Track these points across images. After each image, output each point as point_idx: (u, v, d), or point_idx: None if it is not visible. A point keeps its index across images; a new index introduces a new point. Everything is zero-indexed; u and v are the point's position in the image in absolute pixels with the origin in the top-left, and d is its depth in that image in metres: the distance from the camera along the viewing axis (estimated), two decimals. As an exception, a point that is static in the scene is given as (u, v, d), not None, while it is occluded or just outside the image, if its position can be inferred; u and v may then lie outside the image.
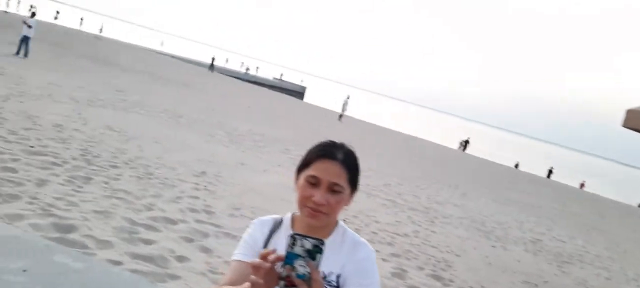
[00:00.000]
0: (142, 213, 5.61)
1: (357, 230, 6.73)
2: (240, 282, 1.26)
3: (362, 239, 1.61)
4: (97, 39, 48.62)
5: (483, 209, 13.63)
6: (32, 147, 7.08)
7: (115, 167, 7.27)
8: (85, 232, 4.61)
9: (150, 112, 13.53)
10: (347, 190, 1.52)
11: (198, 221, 5.94)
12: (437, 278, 6.63)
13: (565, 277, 8.80)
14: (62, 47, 28.20)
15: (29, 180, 5.63)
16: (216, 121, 15.74)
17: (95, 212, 5.22)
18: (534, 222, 13.91)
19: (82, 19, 63.24)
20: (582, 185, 39.15)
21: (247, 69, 63.69)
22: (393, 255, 6.99)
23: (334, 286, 1.49)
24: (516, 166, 41.03)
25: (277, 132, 17.44)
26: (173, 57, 57.55)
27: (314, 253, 1.23)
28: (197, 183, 7.67)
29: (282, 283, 1.22)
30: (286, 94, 55.38)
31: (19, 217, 4.53)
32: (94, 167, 6.93)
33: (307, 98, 62.59)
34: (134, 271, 4.03)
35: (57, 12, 57.19)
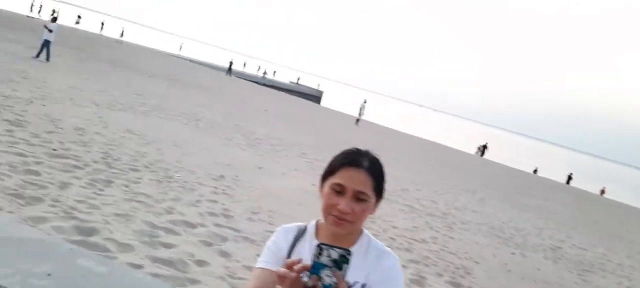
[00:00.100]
0: (162, 217, 5.65)
1: (375, 236, 6.71)
2: None
3: (387, 248, 1.60)
4: (118, 43, 49.32)
5: (501, 215, 13.49)
6: (54, 150, 7.19)
7: (135, 170, 7.35)
8: (106, 235, 4.67)
9: (169, 116, 13.66)
10: (373, 199, 1.52)
11: (217, 225, 5.97)
12: (456, 285, 6.57)
13: (587, 285, 8.67)
14: (83, 51, 28.63)
15: (51, 183, 5.71)
16: (234, 125, 15.83)
17: (116, 215, 5.28)
18: (553, 229, 13.72)
19: (102, 24, 64.16)
20: (602, 192, 38.52)
21: (265, 73, 64.01)
22: (411, 261, 6.95)
23: (359, 295, 1.49)
24: (535, 172, 40.55)
25: (294, 136, 17.47)
26: (191, 61, 58.08)
27: (341, 263, 1.23)
28: (215, 187, 7.71)
29: (308, 292, 1.22)
30: (303, 97, 55.52)
31: (42, 219, 4.60)
32: (115, 170, 7.01)
33: (324, 102, 62.67)
34: (155, 275, 4.06)
35: (79, 17, 58.08)
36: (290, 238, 1.63)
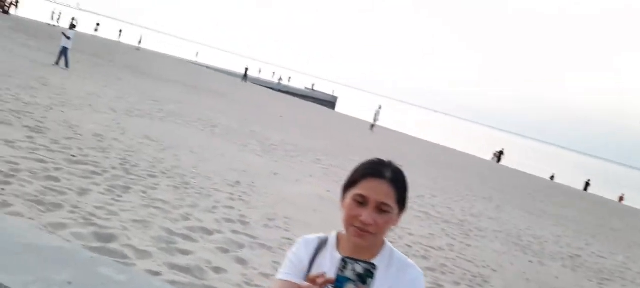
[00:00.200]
0: (179, 223, 5.68)
1: (391, 243, 6.67)
2: None
3: (410, 260, 1.58)
4: (137, 50, 49.93)
5: (519, 222, 13.34)
6: (73, 156, 7.27)
7: (152, 176, 7.40)
8: (124, 241, 4.70)
9: (185, 122, 13.76)
10: (395, 210, 1.50)
11: (233, 231, 5.98)
12: (474, 293, 6.50)
13: (607, 295, 8.52)
14: (101, 58, 28.99)
15: (70, 189, 5.78)
16: (249, 131, 15.89)
17: (134, 221, 5.31)
18: (571, 237, 13.53)
19: (121, 31, 65.06)
20: (621, 199, 37.91)
21: (280, 79, 64.29)
22: (428, 269, 6.89)
23: (382, 308, 1.47)
24: (552, 178, 40.08)
25: (309, 142, 17.48)
26: (208, 67, 58.52)
27: (365, 277, 1.21)
28: (232, 193, 7.74)
29: (331, 307, 1.21)
30: (318, 103, 55.59)
31: (62, 226, 4.65)
32: (133, 176, 7.07)
33: (339, 108, 62.68)
34: (172, 282, 4.08)
35: (98, 24, 58.91)
36: (312, 249, 1.62)
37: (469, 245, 9.05)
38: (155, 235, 5.09)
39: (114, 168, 7.24)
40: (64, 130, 8.81)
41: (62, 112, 10.41)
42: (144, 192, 6.49)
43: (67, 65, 19.09)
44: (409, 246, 7.72)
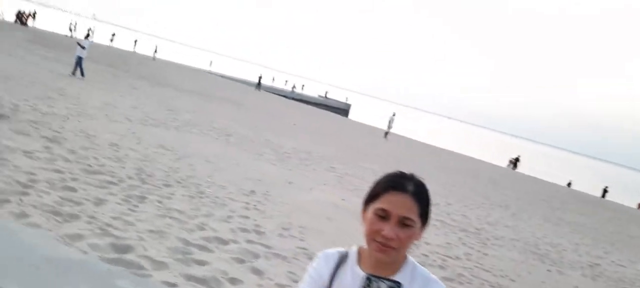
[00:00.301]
0: (195, 233, 5.68)
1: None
2: None
3: (433, 275, 1.55)
4: (153, 60, 50.46)
5: (536, 230, 13.16)
6: (90, 166, 7.32)
7: (168, 185, 7.42)
8: (141, 252, 4.70)
9: (200, 131, 13.82)
10: (418, 224, 1.47)
11: (249, 241, 5.96)
12: (492, 304, 6.41)
13: (628, 304, 8.35)
14: (117, 68, 29.30)
15: (87, 200, 5.81)
16: (263, 139, 15.92)
17: (150, 231, 5.32)
18: (590, 245, 13.31)
19: (136, 41, 65.79)
20: (639, 206, 37.27)
21: (293, 87, 64.47)
22: (445, 279, 6.81)
23: (405, 325, 1.44)
24: (569, 185, 39.57)
25: (323, 150, 17.46)
26: (222, 76, 58.89)
27: (390, 295, 1.19)
28: (247, 202, 7.73)
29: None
30: (331, 111, 55.61)
31: (79, 237, 4.66)
32: (148, 186, 7.10)
33: (352, 115, 62.63)
34: (189, 293, 4.07)
35: (113, 35, 59.61)
36: (332, 264, 1.59)
37: (486, 254, 8.94)
38: (172, 246, 5.09)
39: (130, 177, 7.28)
40: (81, 140, 8.89)
41: (79, 121, 10.52)
42: (160, 202, 6.51)
43: (82, 74, 19.35)
44: (426, 255, 7.65)
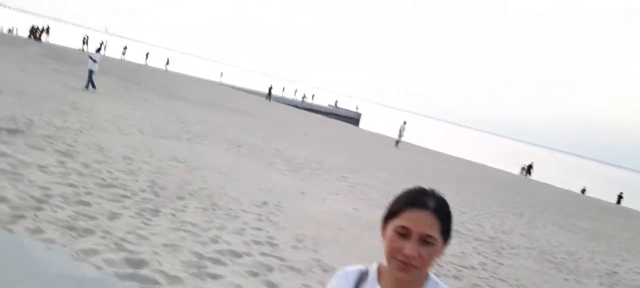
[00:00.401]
0: (209, 246, 5.67)
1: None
2: None
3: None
4: (165, 72, 50.87)
5: (551, 238, 13.00)
6: (103, 180, 7.35)
7: (181, 198, 7.43)
8: (155, 266, 4.70)
9: (211, 142, 13.86)
10: (440, 242, 1.43)
11: (262, 254, 5.94)
12: (509, 314, 6.31)
13: (648, 314, 8.20)
14: (129, 80, 29.55)
15: (101, 214, 5.82)
16: (274, 149, 15.92)
17: (165, 245, 5.32)
18: (606, 252, 13.12)
19: (147, 54, 66.43)
20: (656, 212, 36.73)
21: (304, 97, 64.59)
22: (461, 289, 6.73)
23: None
24: (583, 191, 39.13)
25: (334, 159, 17.42)
26: (233, 87, 59.17)
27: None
28: (259, 214, 7.71)
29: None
30: (342, 120, 55.61)
31: (94, 252, 4.67)
32: (161, 199, 7.11)
33: (362, 124, 62.58)
34: (204, 307, 4.05)
35: (125, 48, 60.20)
36: (352, 282, 1.56)
37: (501, 264, 8.83)
38: (185, 260, 5.08)
39: (143, 190, 7.30)
40: (94, 153, 8.94)
41: (92, 135, 10.59)
42: (173, 215, 6.51)
43: (94, 86, 19.57)
44: (440, 266, 7.57)
